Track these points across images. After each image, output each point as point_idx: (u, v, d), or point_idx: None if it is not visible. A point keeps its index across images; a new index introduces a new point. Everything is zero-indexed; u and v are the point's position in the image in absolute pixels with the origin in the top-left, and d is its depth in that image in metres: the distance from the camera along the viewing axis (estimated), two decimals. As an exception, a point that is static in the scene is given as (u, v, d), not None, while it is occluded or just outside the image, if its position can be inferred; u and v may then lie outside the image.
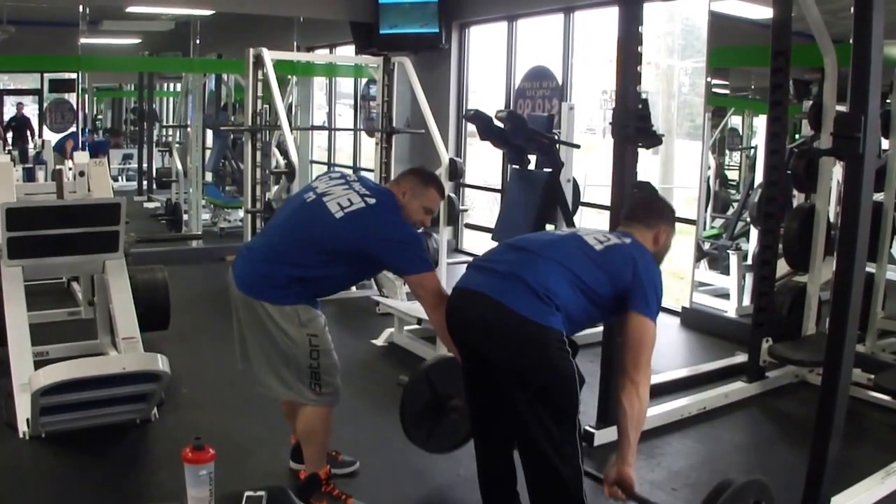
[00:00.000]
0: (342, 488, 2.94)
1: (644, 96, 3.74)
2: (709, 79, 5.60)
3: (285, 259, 2.69)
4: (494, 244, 4.64)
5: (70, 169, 4.83)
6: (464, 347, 2.54)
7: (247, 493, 2.12)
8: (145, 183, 10.83)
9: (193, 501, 2.07)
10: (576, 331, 2.43)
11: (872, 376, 3.95)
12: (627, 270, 2.36)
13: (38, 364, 3.41)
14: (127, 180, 11.46)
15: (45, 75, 11.29)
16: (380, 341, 4.93)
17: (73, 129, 9.21)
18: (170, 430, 3.55)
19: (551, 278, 2.32)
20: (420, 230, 2.92)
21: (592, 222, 6.65)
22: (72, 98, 10.73)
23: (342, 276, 2.80)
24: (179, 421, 3.63)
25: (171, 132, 10.71)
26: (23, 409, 3.40)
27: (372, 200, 2.70)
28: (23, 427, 3.39)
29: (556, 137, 4.82)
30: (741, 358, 4.45)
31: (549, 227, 4.69)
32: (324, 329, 2.78)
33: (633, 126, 3.48)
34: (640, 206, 2.72)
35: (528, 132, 4.65)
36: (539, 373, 2.30)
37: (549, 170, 4.76)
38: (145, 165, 10.89)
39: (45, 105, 11.13)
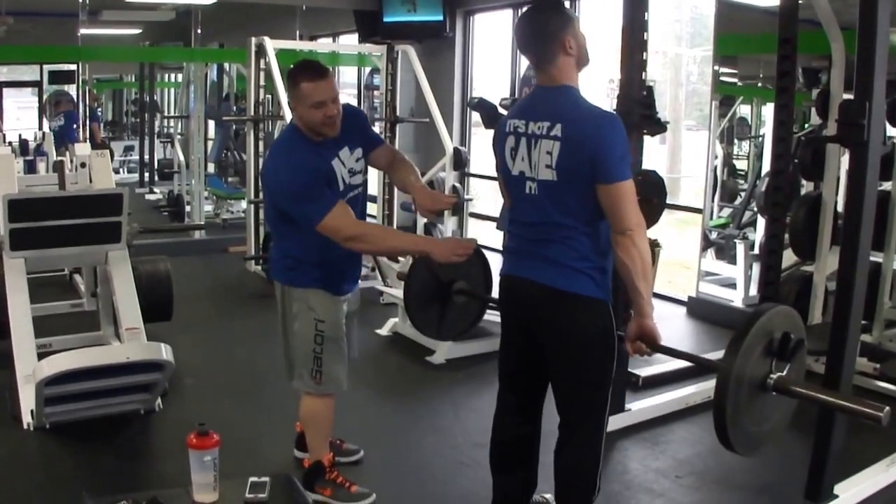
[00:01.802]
0: (346, 476, 2.94)
1: (650, 84, 3.72)
2: (716, 67, 5.56)
3: (274, 236, 2.85)
4: (499, 234, 4.63)
5: (72, 161, 4.80)
6: (511, 327, 2.53)
7: (251, 479, 2.13)
8: (147, 175, 10.83)
9: (198, 487, 2.07)
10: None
11: (879, 366, 3.94)
12: (580, 162, 2.19)
13: (42, 356, 3.39)
14: (128, 172, 11.46)
15: (45, 66, 11.25)
16: (384, 331, 4.92)
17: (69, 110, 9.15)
18: (174, 420, 3.54)
19: (570, 247, 2.28)
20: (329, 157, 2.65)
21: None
22: (71, 90, 10.70)
23: (310, 237, 2.63)
24: (183, 411, 3.61)
25: (172, 123, 10.69)
26: (27, 401, 3.39)
27: None
28: (27, 418, 3.39)
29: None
30: (747, 347, 4.42)
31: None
32: (336, 317, 2.77)
33: (637, 113, 3.46)
34: (528, 46, 2.31)
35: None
36: (587, 343, 2.32)
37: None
38: (147, 157, 10.89)
39: (44, 97, 11.10)
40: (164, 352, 3.19)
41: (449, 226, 6.34)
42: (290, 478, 2.26)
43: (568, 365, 2.38)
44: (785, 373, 2.06)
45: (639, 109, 3.48)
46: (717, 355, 4.39)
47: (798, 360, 2.12)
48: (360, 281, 3.02)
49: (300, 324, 2.75)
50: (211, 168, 9.20)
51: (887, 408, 1.94)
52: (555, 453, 2.49)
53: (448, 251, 2.51)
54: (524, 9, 2.62)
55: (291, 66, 2.68)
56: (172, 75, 12.17)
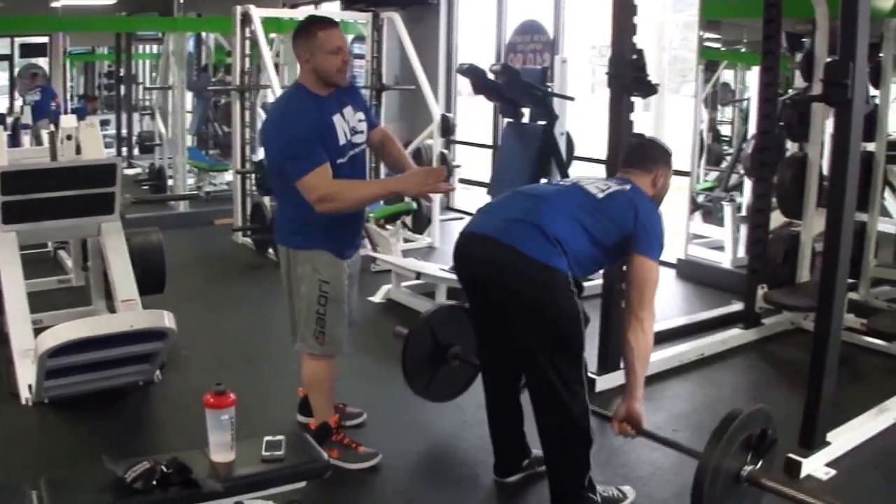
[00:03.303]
0: (351, 438, 2.98)
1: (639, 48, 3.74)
2: (701, 32, 5.59)
3: (280, 200, 2.89)
4: (489, 199, 4.65)
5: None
6: (472, 288, 2.59)
7: (266, 438, 2.17)
8: (125, 149, 10.66)
9: (215, 447, 2.10)
10: (582, 275, 2.49)
11: (866, 321, 4.03)
12: (629, 215, 2.42)
13: (35, 333, 3.37)
14: (105, 147, 11.27)
15: (16, 40, 10.97)
16: (377, 298, 4.95)
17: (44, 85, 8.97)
18: (173, 391, 3.56)
19: (559, 225, 2.38)
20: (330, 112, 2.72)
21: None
22: (42, 63, 10.44)
23: None
24: (182, 382, 3.63)
25: (152, 95, 10.52)
26: (25, 376, 3.39)
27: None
28: (25, 393, 3.37)
29: (550, 90, 4.80)
30: (737, 306, 4.52)
31: (544, 181, 4.70)
32: (339, 279, 2.81)
33: (628, 76, 3.48)
34: (636, 150, 2.72)
35: (523, 85, 4.63)
36: (546, 311, 2.37)
37: (544, 123, 4.75)
38: (124, 131, 10.72)
39: (16, 70, 10.86)
40: (167, 319, 3.18)
41: (437, 195, 6.35)
42: (304, 436, 2.30)
43: (525, 332, 2.42)
44: (758, 467, 2.23)
45: (630, 72, 3.50)
46: (706, 315, 4.54)
47: (769, 455, 2.30)
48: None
49: (305, 285, 2.78)
50: (190, 141, 9.10)
51: None
52: (538, 427, 2.53)
53: (419, 184, 2.58)
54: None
55: (299, 23, 2.76)
56: (147, 46, 11.97)
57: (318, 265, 2.76)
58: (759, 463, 2.24)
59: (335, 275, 2.79)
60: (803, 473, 2.84)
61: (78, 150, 4.34)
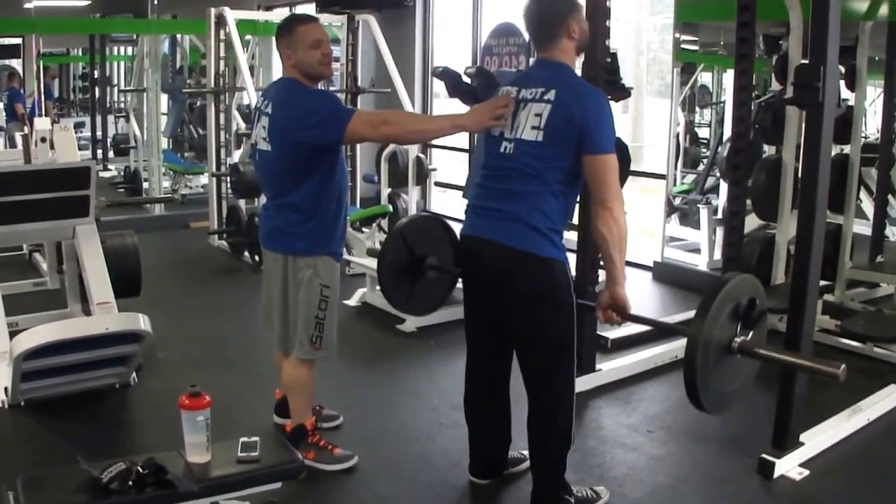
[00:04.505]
0: (328, 440, 2.98)
1: (613, 51, 3.78)
2: (677, 34, 5.63)
3: (283, 198, 2.74)
4: (465, 202, 4.66)
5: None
6: (472, 287, 2.60)
7: (241, 439, 2.17)
8: (100, 151, 10.57)
9: (191, 448, 2.10)
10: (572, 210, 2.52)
11: (840, 322, 4.08)
12: (569, 125, 2.30)
13: (10, 336, 3.33)
14: (79, 150, 11.14)
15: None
16: (353, 301, 4.94)
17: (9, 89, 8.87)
18: (150, 393, 3.54)
19: (538, 214, 2.36)
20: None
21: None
22: (13, 64, 10.32)
23: (321, 178, 2.70)
24: (159, 384, 3.62)
25: (126, 97, 10.44)
26: (1, 379, 3.36)
27: (270, 108, 2.71)
28: (1, 396, 3.35)
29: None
30: (712, 308, 4.54)
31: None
32: (337, 283, 2.83)
33: (602, 79, 3.51)
34: (537, 25, 2.46)
35: (498, 88, 4.63)
36: (548, 303, 2.38)
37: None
38: (99, 133, 10.61)
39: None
40: (142, 322, 3.17)
41: (413, 195, 6.36)
42: (279, 436, 2.30)
43: (527, 325, 2.44)
44: (749, 337, 2.16)
45: (603, 75, 3.54)
46: (683, 317, 4.57)
47: (760, 325, 2.22)
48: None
49: (305, 291, 2.76)
50: (166, 143, 9.04)
51: (843, 365, 2.03)
52: (528, 420, 2.55)
53: (481, 119, 2.47)
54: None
55: (280, 22, 2.78)
56: (121, 48, 11.87)
57: (320, 269, 2.76)
58: (750, 334, 2.17)
59: (334, 279, 2.80)
60: (776, 474, 2.86)
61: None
